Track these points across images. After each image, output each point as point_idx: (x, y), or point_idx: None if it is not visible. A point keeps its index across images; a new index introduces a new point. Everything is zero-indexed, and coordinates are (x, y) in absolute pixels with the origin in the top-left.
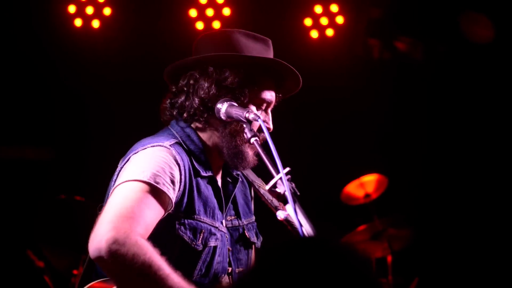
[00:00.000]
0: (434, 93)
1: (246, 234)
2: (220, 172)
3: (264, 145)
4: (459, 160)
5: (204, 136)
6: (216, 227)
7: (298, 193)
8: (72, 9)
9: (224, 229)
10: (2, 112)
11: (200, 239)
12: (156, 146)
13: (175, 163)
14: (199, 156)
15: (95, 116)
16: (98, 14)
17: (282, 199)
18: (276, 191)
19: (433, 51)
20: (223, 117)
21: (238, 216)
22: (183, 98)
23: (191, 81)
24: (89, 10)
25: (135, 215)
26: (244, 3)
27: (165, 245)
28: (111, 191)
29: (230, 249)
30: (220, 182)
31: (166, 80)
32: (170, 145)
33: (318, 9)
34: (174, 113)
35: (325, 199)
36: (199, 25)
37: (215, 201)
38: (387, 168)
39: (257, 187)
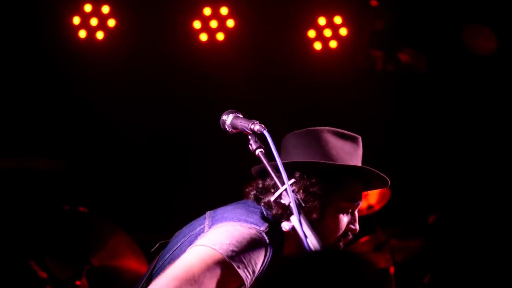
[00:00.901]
0: (437, 105)
1: None
2: None
3: (269, 156)
4: (462, 172)
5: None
6: None
7: (303, 205)
8: (76, 20)
9: None
10: (11, 123)
11: None
12: (253, 230)
13: (263, 255)
14: (279, 254)
15: (98, 126)
16: (102, 25)
17: (287, 211)
18: (281, 202)
19: (436, 63)
20: (228, 129)
21: None
22: (268, 198)
23: (297, 177)
24: (94, 21)
25: (197, 281)
26: (248, 15)
27: None
28: (189, 245)
29: None
30: None
31: (253, 173)
32: (265, 233)
33: (321, 21)
34: (261, 204)
35: None
36: (203, 37)
37: None
38: (390, 179)
39: None
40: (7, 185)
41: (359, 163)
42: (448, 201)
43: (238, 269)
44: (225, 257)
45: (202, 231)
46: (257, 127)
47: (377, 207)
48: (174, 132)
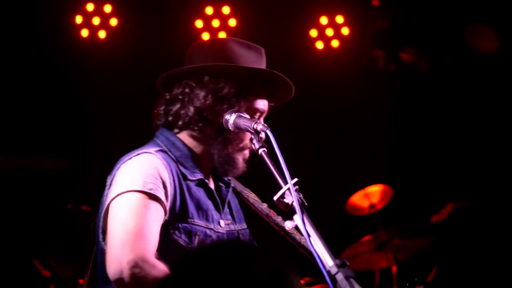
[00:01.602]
0: (439, 104)
1: (241, 238)
2: (211, 177)
3: (272, 155)
4: (464, 171)
5: (193, 143)
6: (212, 229)
7: (306, 204)
8: (79, 19)
9: (223, 230)
10: (15, 123)
11: (196, 241)
12: (142, 153)
13: (163, 166)
14: (185, 161)
15: (100, 126)
16: (104, 24)
17: (290, 210)
18: (284, 202)
19: (438, 62)
20: (231, 128)
21: (234, 220)
22: (178, 106)
23: (187, 90)
24: (96, 20)
25: (145, 233)
26: (250, 14)
27: (161, 250)
28: (106, 206)
29: None
30: (213, 185)
31: (159, 87)
32: (155, 151)
33: (323, 20)
34: (169, 119)
35: (330, 209)
36: (205, 36)
37: (208, 202)
38: (392, 178)
39: (245, 196)
40: (13, 185)
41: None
42: (450, 200)
43: (151, 191)
44: (134, 191)
45: (107, 187)
46: (260, 126)
47: (379, 206)
48: None
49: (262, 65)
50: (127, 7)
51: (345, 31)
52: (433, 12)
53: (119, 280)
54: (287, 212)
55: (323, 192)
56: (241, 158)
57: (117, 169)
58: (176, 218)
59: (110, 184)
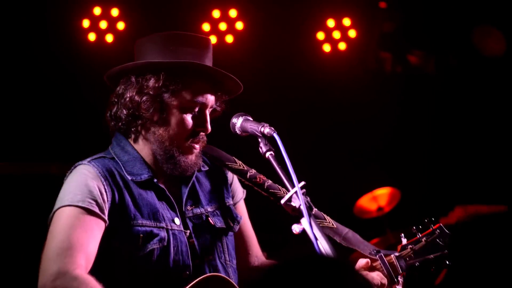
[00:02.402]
0: (446, 106)
1: (210, 220)
2: (170, 175)
3: (279, 159)
4: (471, 172)
5: (138, 145)
6: (162, 227)
7: (313, 207)
8: (86, 23)
9: (179, 227)
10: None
11: (140, 243)
12: (77, 166)
13: (96, 176)
14: (133, 164)
15: (108, 130)
16: (111, 28)
17: (297, 213)
18: (291, 205)
19: (445, 64)
20: (238, 132)
21: (199, 204)
22: (114, 109)
23: (120, 91)
24: (103, 24)
25: (72, 245)
26: (257, 17)
27: (110, 262)
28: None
29: (194, 240)
30: (171, 182)
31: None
32: (88, 161)
33: (330, 23)
34: (112, 124)
35: (338, 212)
36: (212, 39)
37: (157, 202)
38: (400, 181)
39: (228, 168)
40: (21, 190)
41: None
42: (458, 203)
43: (83, 205)
44: (67, 206)
45: None
46: (267, 130)
47: (387, 209)
48: None
49: (202, 58)
50: (134, 10)
51: (352, 33)
52: (440, 14)
53: None
54: (294, 215)
55: (330, 195)
56: (185, 154)
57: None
58: (117, 222)
59: None
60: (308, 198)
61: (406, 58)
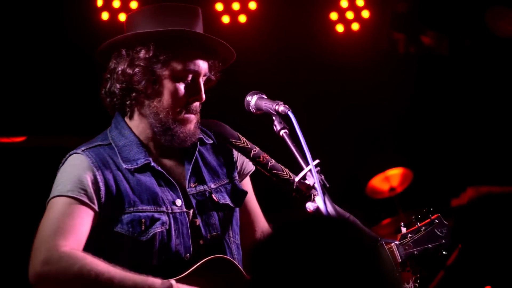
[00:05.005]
0: (460, 87)
1: (214, 197)
2: (171, 152)
3: (294, 137)
4: (485, 154)
5: (134, 122)
6: (162, 211)
7: (328, 185)
8: (100, 2)
9: (181, 208)
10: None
11: (142, 229)
12: (72, 155)
13: (88, 166)
14: (129, 149)
15: None
16: (125, 8)
17: (311, 191)
18: (306, 183)
19: (459, 45)
20: (252, 110)
21: (202, 181)
22: (108, 85)
23: (112, 66)
24: (116, 3)
25: (57, 230)
26: None
27: (112, 248)
28: None
29: (198, 219)
30: (173, 162)
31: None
32: (82, 150)
33: (344, 3)
34: (108, 100)
35: (350, 192)
36: (225, 19)
37: (157, 186)
38: (412, 162)
39: (233, 145)
40: (40, 163)
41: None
42: (470, 184)
43: (74, 195)
44: (57, 196)
45: None
46: (281, 108)
47: (399, 190)
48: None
49: (191, 26)
50: None
51: (365, 14)
52: None
53: (36, 285)
54: (309, 193)
55: (343, 175)
56: (181, 124)
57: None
58: (115, 211)
59: None
60: (323, 176)
61: (419, 39)
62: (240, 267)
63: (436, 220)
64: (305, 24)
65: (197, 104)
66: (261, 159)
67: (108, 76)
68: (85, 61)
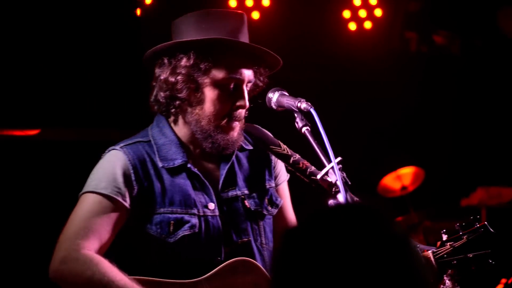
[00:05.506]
0: (470, 86)
1: (246, 203)
2: (209, 156)
3: (315, 134)
4: (495, 154)
5: (178, 127)
6: (193, 214)
7: (349, 183)
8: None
9: (213, 212)
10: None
11: (171, 230)
12: (110, 151)
13: (125, 163)
14: (168, 148)
15: None
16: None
17: (333, 188)
18: (327, 180)
19: (470, 45)
20: (274, 106)
21: (236, 186)
22: (154, 93)
23: (156, 74)
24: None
25: (82, 229)
26: None
27: (140, 247)
28: None
29: (229, 224)
30: (211, 165)
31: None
32: (121, 147)
33: (356, 1)
34: (157, 108)
35: (362, 191)
36: None
37: (191, 187)
38: (424, 161)
39: (272, 151)
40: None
41: (242, 40)
42: (480, 184)
43: (105, 192)
44: (88, 192)
45: None
46: (303, 105)
47: (410, 188)
48: None
49: (235, 33)
50: None
51: (378, 12)
52: None
53: (53, 280)
54: (330, 190)
55: (354, 174)
56: (223, 132)
57: None
58: (146, 210)
59: None
60: (344, 173)
61: (431, 38)
62: (264, 269)
63: (481, 229)
64: (317, 22)
65: (241, 111)
66: (301, 166)
67: (154, 83)
68: (100, 54)
